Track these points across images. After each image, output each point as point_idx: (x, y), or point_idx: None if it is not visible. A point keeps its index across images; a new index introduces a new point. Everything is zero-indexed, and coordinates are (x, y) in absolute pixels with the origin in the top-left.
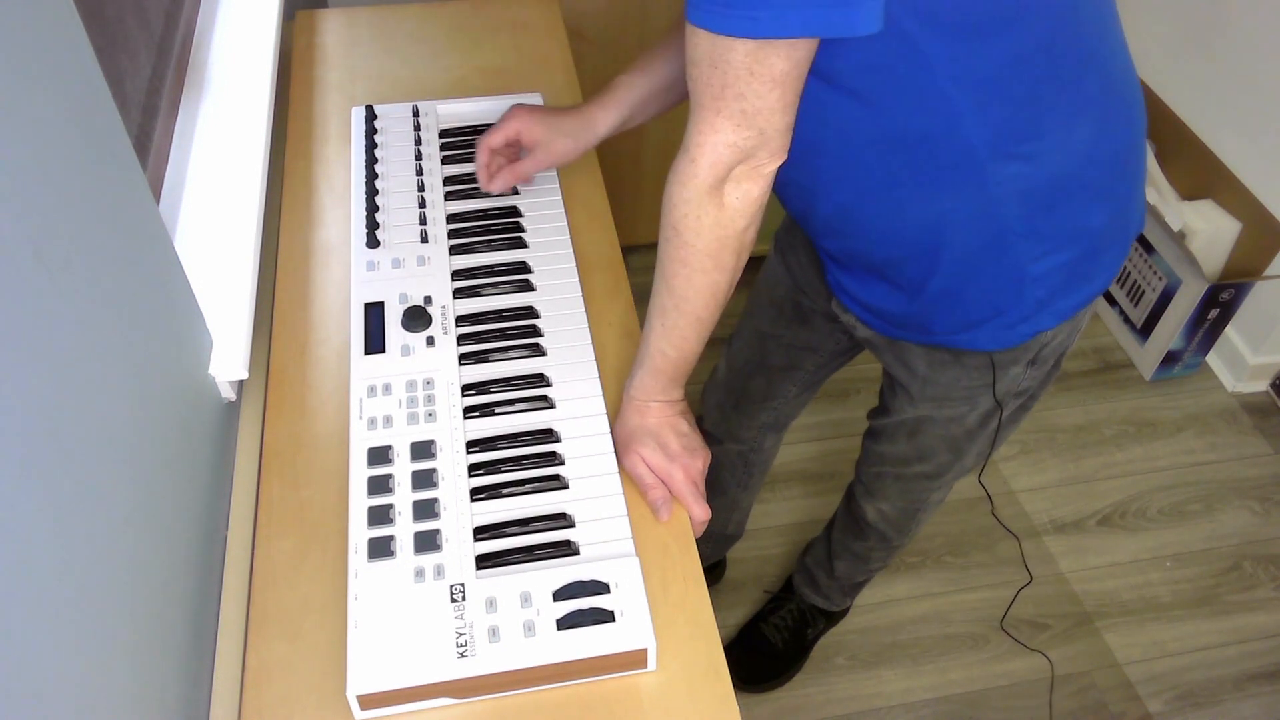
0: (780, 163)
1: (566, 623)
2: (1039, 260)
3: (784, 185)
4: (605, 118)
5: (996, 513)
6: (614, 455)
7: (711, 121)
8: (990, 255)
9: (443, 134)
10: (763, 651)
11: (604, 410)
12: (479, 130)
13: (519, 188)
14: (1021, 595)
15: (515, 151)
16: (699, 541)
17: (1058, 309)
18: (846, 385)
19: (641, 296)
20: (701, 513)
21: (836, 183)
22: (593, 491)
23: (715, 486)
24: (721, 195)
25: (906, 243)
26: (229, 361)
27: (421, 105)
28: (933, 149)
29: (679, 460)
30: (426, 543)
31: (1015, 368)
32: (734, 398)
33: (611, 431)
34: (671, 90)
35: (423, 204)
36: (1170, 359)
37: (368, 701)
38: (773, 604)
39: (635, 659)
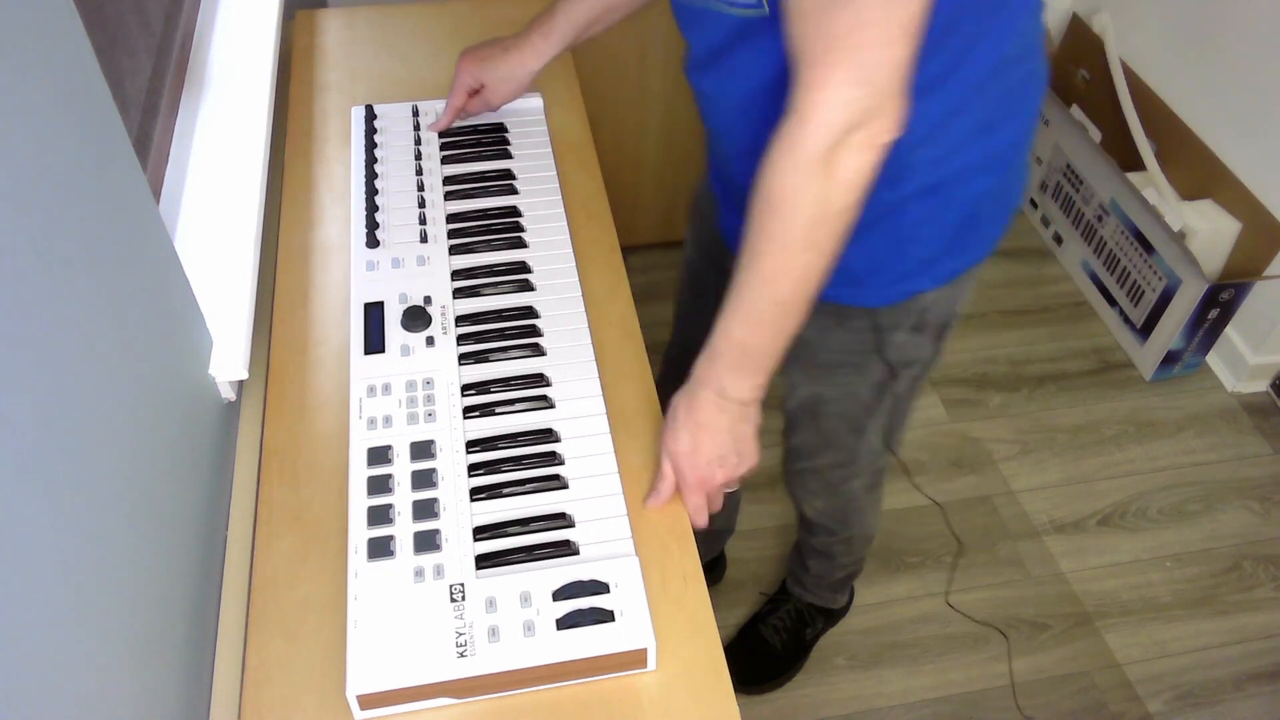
0: (897, 135)
1: (566, 622)
2: (922, 222)
3: (724, 96)
4: (547, 47)
5: (1000, 512)
6: (613, 455)
7: (825, 76)
8: (882, 209)
9: (442, 134)
10: (762, 652)
11: (604, 410)
12: (479, 130)
13: (519, 187)
14: (1021, 595)
15: (474, 96)
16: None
17: (937, 272)
18: None
19: (641, 296)
20: (698, 521)
21: (773, 103)
22: (592, 491)
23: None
24: (832, 165)
25: None
26: (229, 361)
27: (421, 105)
28: None
29: (701, 469)
30: (426, 543)
31: (899, 333)
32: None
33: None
34: (613, 11)
35: (422, 204)
36: (1170, 359)
37: (367, 701)
38: (770, 605)
39: (635, 659)
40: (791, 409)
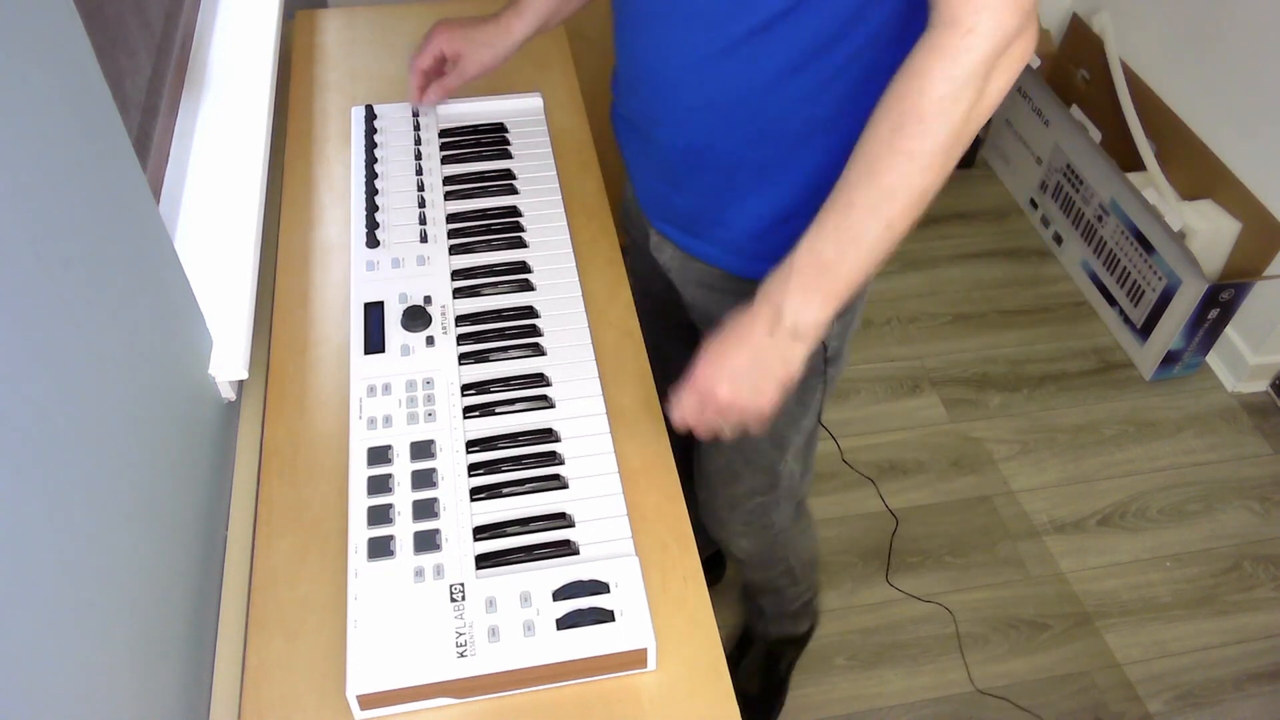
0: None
1: (566, 622)
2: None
3: (690, 46)
4: (521, 25)
5: (1000, 512)
6: (613, 455)
7: None
8: (822, 175)
9: (442, 134)
10: (740, 703)
11: (604, 410)
12: (479, 130)
13: (519, 187)
14: (1021, 595)
15: (442, 67)
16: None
17: None
18: (846, 385)
19: None
20: (690, 426)
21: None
22: (592, 491)
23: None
24: (989, 79)
25: (776, 140)
26: (229, 361)
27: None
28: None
29: (714, 383)
30: (426, 542)
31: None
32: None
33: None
34: None
35: (422, 204)
36: (1170, 359)
37: (367, 701)
38: (737, 651)
39: (635, 658)
40: None
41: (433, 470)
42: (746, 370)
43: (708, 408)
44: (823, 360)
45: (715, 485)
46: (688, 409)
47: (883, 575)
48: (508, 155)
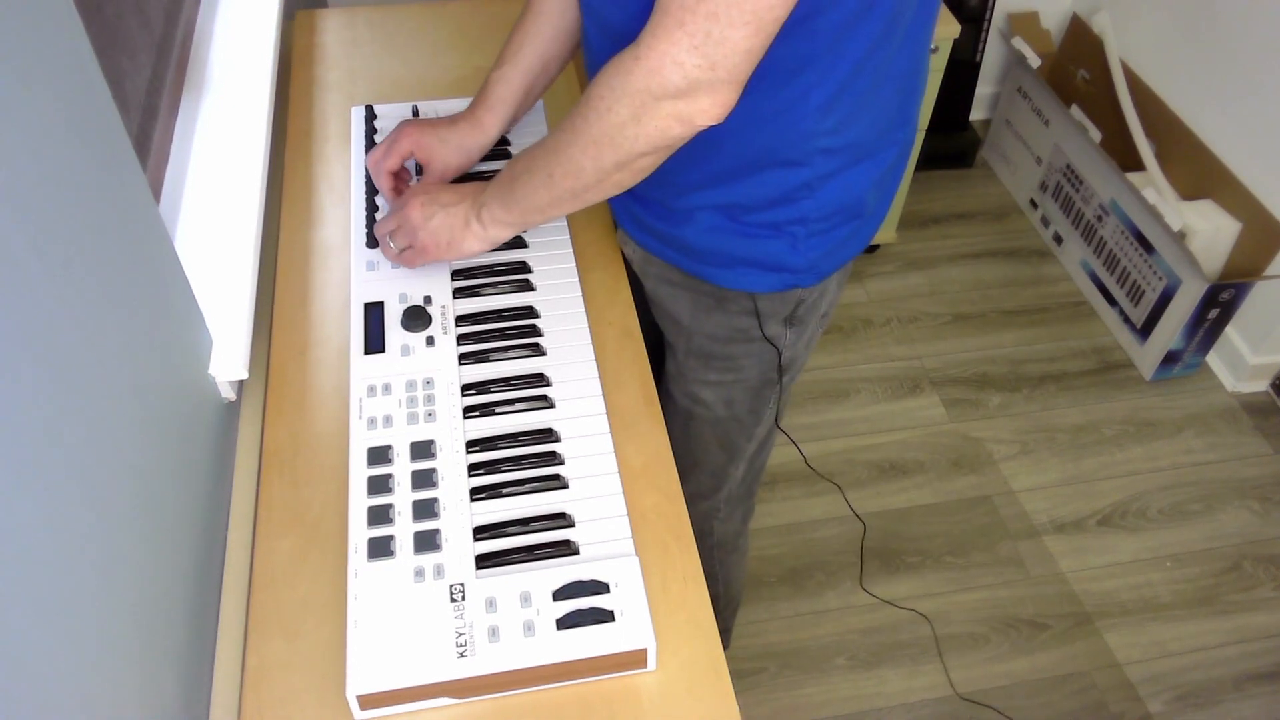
0: (717, 120)
1: (566, 622)
2: (816, 219)
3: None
4: (493, 120)
5: (1000, 512)
6: (613, 455)
7: (671, 33)
8: (784, 191)
9: None
10: None
11: (604, 410)
12: None
13: None
14: (1021, 595)
15: (407, 172)
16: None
17: (820, 267)
18: (846, 385)
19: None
20: (386, 255)
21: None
22: (592, 491)
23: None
24: (645, 111)
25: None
26: (229, 361)
27: (421, 105)
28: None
29: (415, 224)
30: (426, 542)
31: (774, 323)
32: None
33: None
34: (547, 69)
35: None
36: (1170, 359)
37: (367, 701)
38: None
39: (635, 659)
40: (666, 423)
41: (433, 470)
42: (440, 208)
43: (400, 218)
44: (777, 368)
45: None
46: (389, 218)
47: (883, 575)
48: (508, 155)
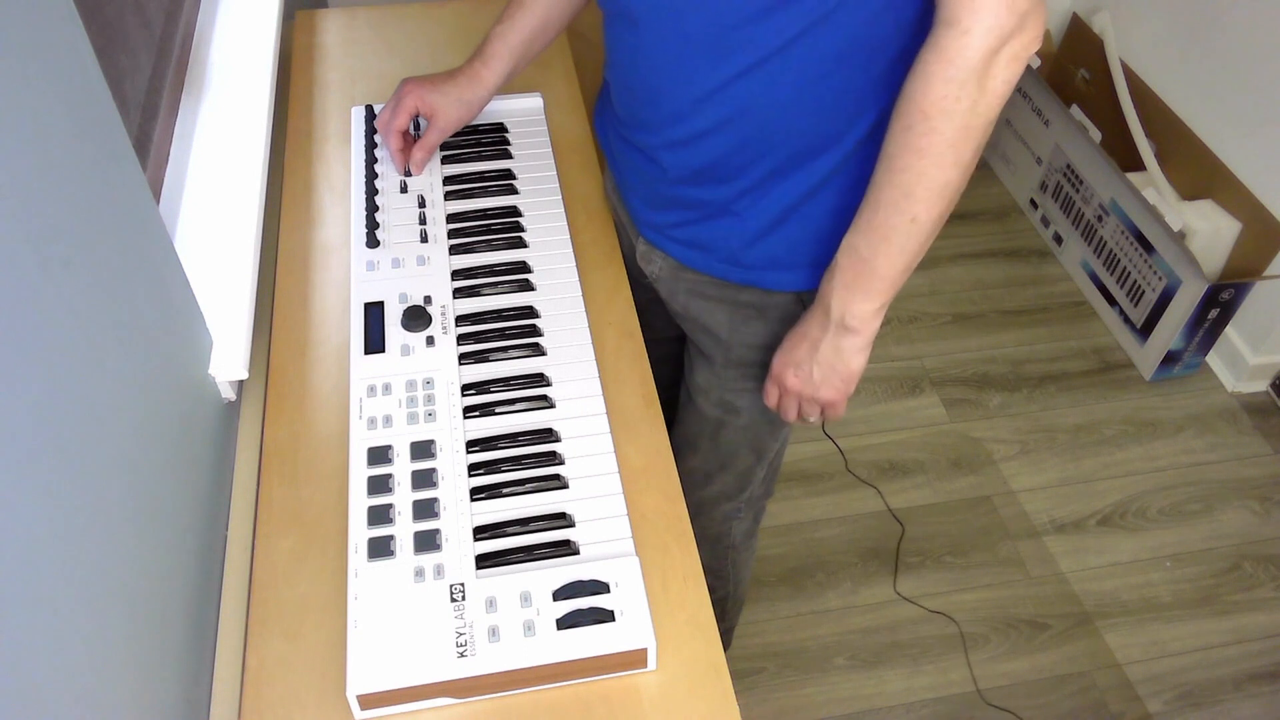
0: (1039, 46)
1: (566, 622)
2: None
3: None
4: (490, 74)
5: (1000, 512)
6: (613, 455)
7: None
8: (815, 181)
9: None
10: None
11: (604, 410)
12: (479, 130)
13: (519, 187)
14: (1021, 595)
15: (415, 127)
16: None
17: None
18: None
19: None
20: (786, 417)
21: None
22: (592, 491)
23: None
24: (988, 76)
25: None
26: (229, 361)
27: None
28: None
29: (788, 377)
30: (426, 542)
31: None
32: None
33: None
34: (546, 30)
35: (422, 204)
36: (1170, 359)
37: (367, 701)
38: None
39: (635, 658)
40: (692, 430)
41: (433, 470)
42: (807, 360)
43: (784, 394)
44: None
45: (686, 488)
46: (769, 394)
47: (882, 575)
48: (508, 155)
